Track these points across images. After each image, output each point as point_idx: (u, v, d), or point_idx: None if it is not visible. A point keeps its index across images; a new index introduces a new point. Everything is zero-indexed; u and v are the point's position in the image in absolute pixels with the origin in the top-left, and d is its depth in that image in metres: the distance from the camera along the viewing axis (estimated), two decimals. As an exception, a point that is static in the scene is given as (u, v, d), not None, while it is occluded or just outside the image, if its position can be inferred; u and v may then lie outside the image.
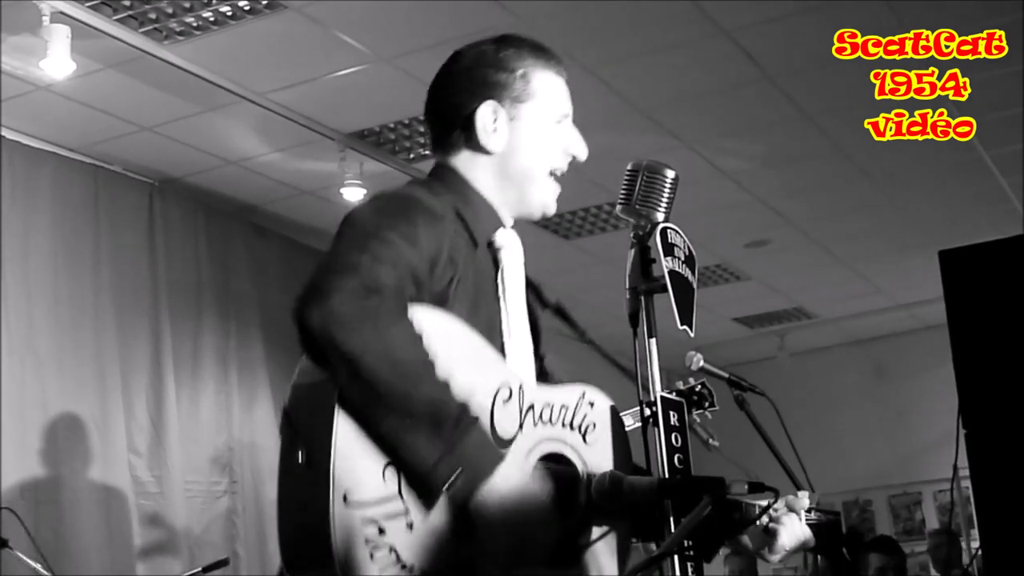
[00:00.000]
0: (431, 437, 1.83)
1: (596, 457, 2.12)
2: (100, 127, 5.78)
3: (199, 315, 6.51)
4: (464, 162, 2.26)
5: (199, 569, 4.98)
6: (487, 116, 2.23)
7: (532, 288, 2.36)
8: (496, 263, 2.22)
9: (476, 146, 2.24)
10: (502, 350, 2.15)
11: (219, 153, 6.20)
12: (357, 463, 1.83)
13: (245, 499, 6.48)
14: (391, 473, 1.85)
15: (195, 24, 4.95)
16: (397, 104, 5.81)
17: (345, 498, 1.80)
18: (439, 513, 1.88)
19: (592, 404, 2.16)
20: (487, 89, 2.24)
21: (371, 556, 1.80)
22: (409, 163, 6.41)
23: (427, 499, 1.86)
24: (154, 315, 6.20)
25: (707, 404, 3.74)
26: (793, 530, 2.30)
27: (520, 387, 2.03)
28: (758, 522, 2.28)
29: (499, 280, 2.20)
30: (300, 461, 1.86)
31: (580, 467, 2.09)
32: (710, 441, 3.08)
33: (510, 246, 2.25)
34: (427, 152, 6.33)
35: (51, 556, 4.79)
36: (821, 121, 6.34)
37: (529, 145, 2.25)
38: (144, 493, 5.92)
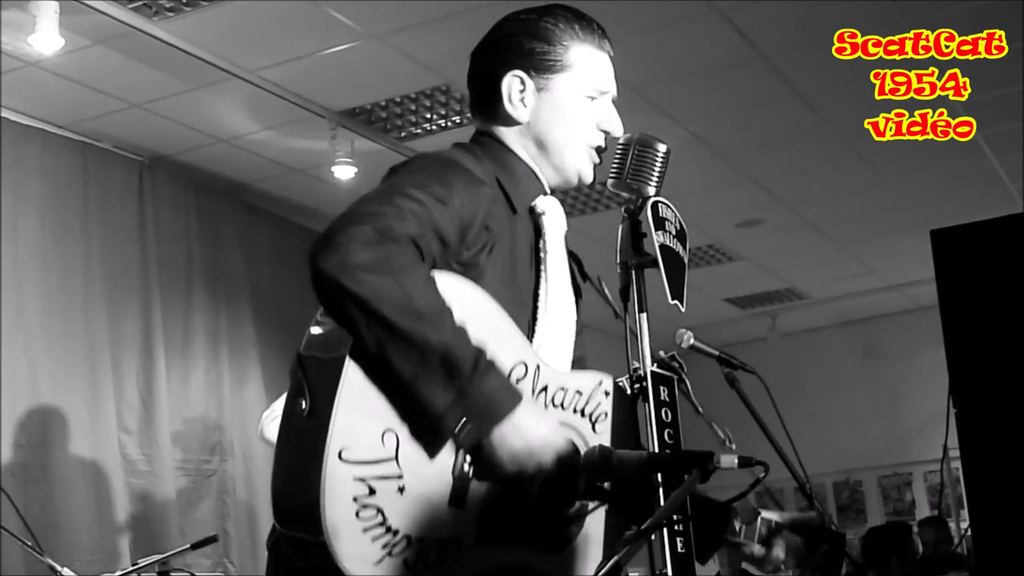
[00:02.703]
0: (446, 382, 1.83)
1: None
2: (89, 104, 5.74)
3: (189, 293, 6.49)
4: (501, 129, 2.25)
5: (188, 546, 4.97)
6: (513, 86, 2.21)
7: (575, 260, 2.35)
8: (538, 230, 2.20)
9: (505, 115, 2.23)
10: (534, 317, 2.13)
11: (209, 131, 6.17)
12: (358, 421, 1.83)
13: (235, 477, 6.47)
14: (390, 438, 1.85)
15: (185, 0, 4.91)
16: (389, 82, 5.78)
17: (340, 453, 1.80)
18: (434, 481, 1.88)
19: (607, 393, 2.14)
20: (519, 58, 2.22)
21: (357, 515, 1.80)
22: (400, 141, 6.39)
23: (433, 445, 1.87)
24: (144, 293, 6.18)
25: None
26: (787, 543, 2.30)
27: (537, 366, 2.02)
28: (756, 536, 2.28)
29: (540, 246, 2.18)
30: (303, 410, 1.86)
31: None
32: (727, 442, 3.07)
33: (552, 212, 2.23)
34: (418, 130, 6.31)
35: (41, 534, 4.77)
36: (814, 101, 6.32)
37: (557, 117, 2.22)
38: (134, 471, 5.91)
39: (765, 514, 2.33)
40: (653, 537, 2.00)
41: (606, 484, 2.00)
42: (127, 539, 5.77)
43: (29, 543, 4.43)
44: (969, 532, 3.45)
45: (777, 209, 7.95)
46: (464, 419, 1.84)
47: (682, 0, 5.21)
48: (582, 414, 2.10)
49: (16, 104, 5.64)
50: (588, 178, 2.27)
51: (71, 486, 5.55)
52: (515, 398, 1.91)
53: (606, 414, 2.13)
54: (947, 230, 3.52)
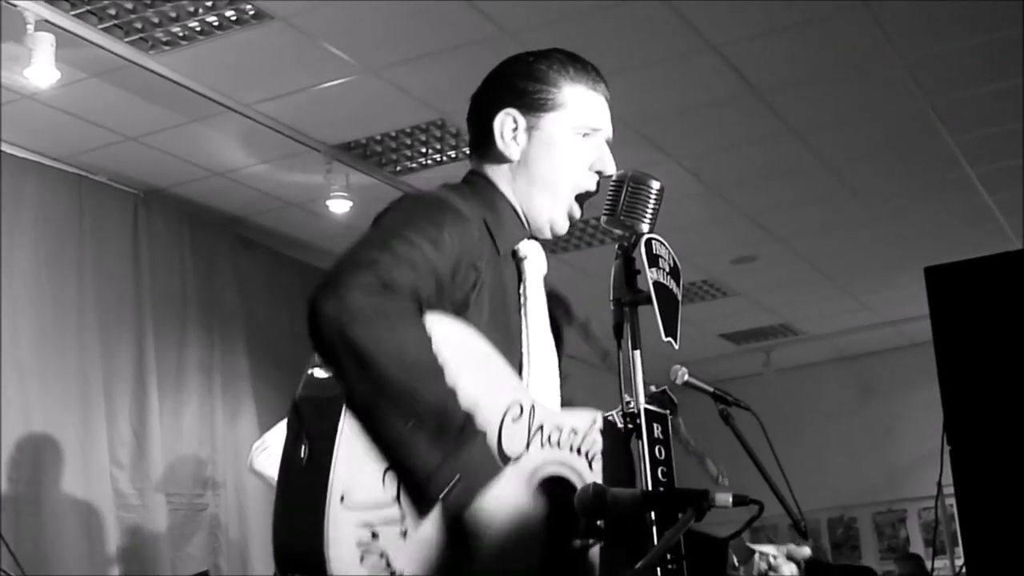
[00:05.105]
0: (433, 443, 1.81)
1: None
2: (85, 137, 5.75)
3: (183, 327, 6.47)
4: (492, 169, 2.26)
5: (179, 582, 4.94)
6: (505, 124, 2.23)
7: (561, 304, 2.35)
8: (520, 275, 2.20)
9: (496, 153, 2.24)
10: (521, 363, 2.13)
11: (205, 164, 6.18)
12: (359, 464, 1.82)
13: (228, 512, 6.44)
14: (391, 478, 1.84)
15: (181, 34, 4.93)
16: (384, 116, 5.79)
17: (342, 498, 1.79)
18: (433, 523, 1.86)
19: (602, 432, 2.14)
20: (512, 97, 2.24)
21: (361, 559, 1.78)
22: (396, 175, 6.40)
23: (422, 506, 1.84)
24: (138, 326, 6.16)
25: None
26: None
27: (532, 407, 2.01)
28: (756, 571, 2.27)
29: (521, 292, 2.19)
30: (302, 456, 1.85)
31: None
32: (720, 478, 3.05)
33: (533, 257, 2.23)
34: (414, 165, 6.32)
35: (31, 568, 4.75)
36: (808, 137, 6.34)
37: (546, 153, 2.23)
38: (126, 506, 5.88)
39: (762, 548, 2.33)
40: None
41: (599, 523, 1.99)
42: (118, 574, 5.73)
43: (19, 578, 4.40)
44: (964, 570, 3.43)
45: (771, 245, 7.96)
46: (451, 482, 1.83)
47: (677, 37, 5.23)
48: (578, 452, 2.09)
49: (12, 137, 5.64)
50: (559, 229, 2.27)
51: (62, 520, 5.52)
52: (495, 468, 1.89)
53: (600, 454, 2.12)
54: (941, 267, 3.53)
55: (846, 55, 5.47)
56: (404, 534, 1.83)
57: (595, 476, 2.10)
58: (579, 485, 2.06)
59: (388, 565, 1.81)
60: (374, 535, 1.80)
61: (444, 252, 1.98)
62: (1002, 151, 6.58)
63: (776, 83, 5.73)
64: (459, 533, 1.87)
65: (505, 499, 1.90)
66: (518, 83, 2.25)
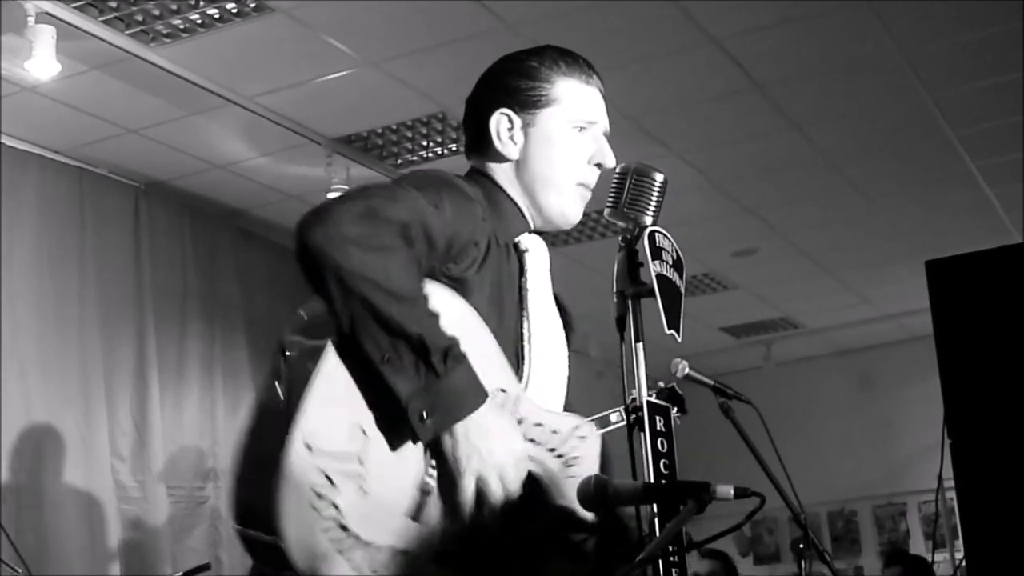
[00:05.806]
0: (415, 369, 1.82)
1: (571, 492, 2.06)
2: (86, 129, 5.74)
3: (184, 319, 6.48)
4: (493, 167, 2.27)
5: (180, 574, 4.94)
6: (501, 123, 2.24)
7: (565, 311, 2.35)
8: (522, 267, 2.20)
9: (495, 152, 2.25)
10: (520, 356, 2.12)
11: (205, 157, 6.18)
12: (329, 412, 1.82)
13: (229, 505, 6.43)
14: (359, 435, 1.83)
15: (182, 26, 4.92)
16: (385, 109, 5.79)
17: (306, 442, 1.78)
18: (397, 489, 1.86)
19: (583, 438, 2.13)
20: (506, 96, 2.25)
21: (312, 505, 1.78)
22: (396, 168, 6.40)
23: (398, 435, 1.85)
24: (139, 319, 6.16)
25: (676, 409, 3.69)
26: None
27: (516, 397, 2.01)
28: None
29: (523, 285, 2.19)
30: (279, 397, 1.85)
31: (550, 494, 2.06)
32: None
33: (536, 250, 2.23)
34: (414, 158, 6.32)
35: (33, 561, 4.75)
36: (809, 131, 6.34)
37: (545, 149, 2.24)
38: (127, 498, 5.88)
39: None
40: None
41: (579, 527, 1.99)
42: (119, 566, 5.74)
43: (20, 570, 4.40)
44: (964, 563, 3.44)
45: (772, 238, 7.96)
46: (428, 409, 1.83)
47: (679, 31, 5.23)
48: (554, 454, 2.08)
49: (13, 129, 5.64)
50: (572, 219, 2.28)
51: (64, 512, 5.52)
52: (480, 396, 1.89)
53: (579, 458, 2.11)
54: (942, 260, 3.53)
55: (847, 49, 5.47)
56: (362, 490, 1.82)
57: (569, 481, 2.07)
58: (546, 486, 2.06)
59: (338, 516, 1.79)
60: (330, 481, 1.79)
61: (441, 218, 1.98)
62: (1003, 145, 6.58)
63: (777, 77, 5.73)
64: (442, 464, 1.87)
65: (488, 426, 1.90)
66: (511, 82, 2.26)
